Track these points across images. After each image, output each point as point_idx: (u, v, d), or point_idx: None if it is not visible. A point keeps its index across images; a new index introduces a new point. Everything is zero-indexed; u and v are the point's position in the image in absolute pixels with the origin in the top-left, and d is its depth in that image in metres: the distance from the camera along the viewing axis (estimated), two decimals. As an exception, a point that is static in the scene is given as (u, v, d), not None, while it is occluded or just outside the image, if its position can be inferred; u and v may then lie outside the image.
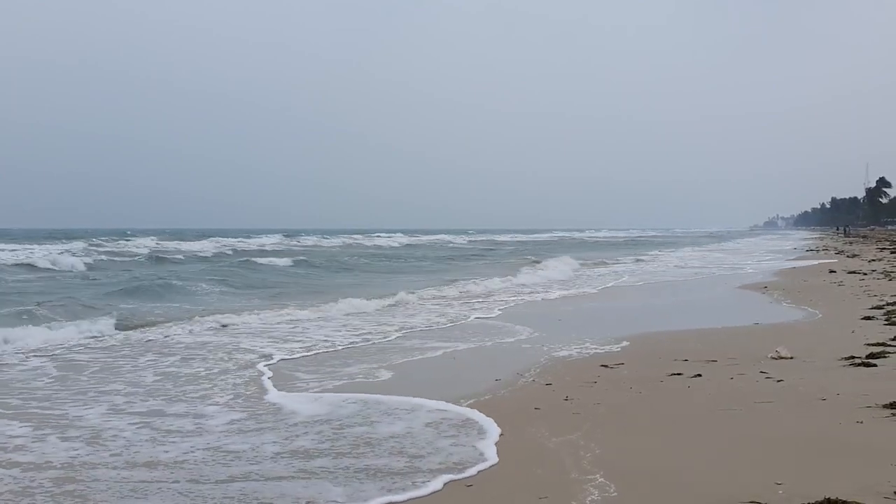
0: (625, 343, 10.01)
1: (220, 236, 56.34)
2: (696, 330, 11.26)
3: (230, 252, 37.85)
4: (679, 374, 7.79)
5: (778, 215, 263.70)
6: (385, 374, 8.35)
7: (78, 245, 37.44)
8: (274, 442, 5.79)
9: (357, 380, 8.06)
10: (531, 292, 18.56)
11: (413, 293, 17.33)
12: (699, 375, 7.66)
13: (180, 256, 34.24)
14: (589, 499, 4.37)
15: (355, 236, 65.05)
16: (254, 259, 31.42)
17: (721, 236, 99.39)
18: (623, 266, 30.88)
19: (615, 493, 4.43)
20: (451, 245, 58.95)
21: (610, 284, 21.37)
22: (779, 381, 7.25)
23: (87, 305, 14.74)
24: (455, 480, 4.82)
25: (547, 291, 18.82)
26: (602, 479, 4.66)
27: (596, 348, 9.71)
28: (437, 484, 4.76)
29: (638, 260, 35.64)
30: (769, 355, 8.48)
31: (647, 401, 6.74)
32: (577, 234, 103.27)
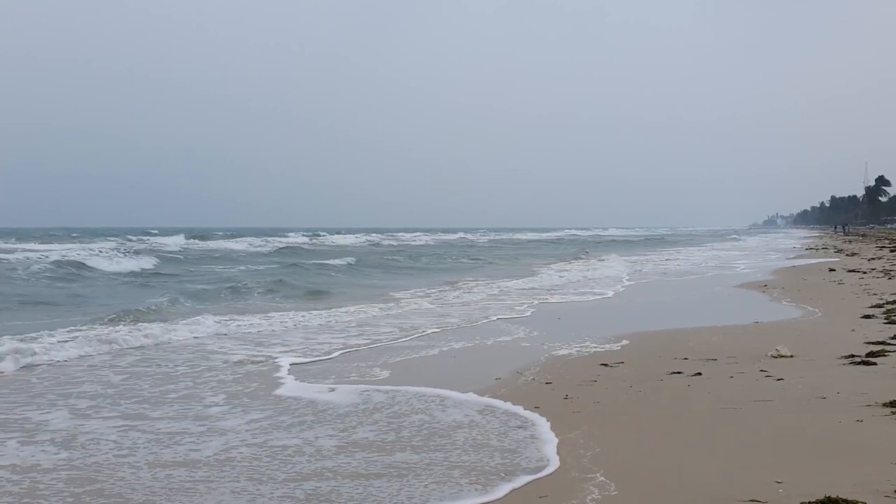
0: (625, 342, 10.00)
1: (236, 236, 56.08)
2: (696, 328, 11.24)
3: (271, 251, 37.52)
4: (679, 372, 7.78)
5: (777, 214, 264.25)
6: (383, 373, 8.31)
7: (109, 244, 37.17)
8: (330, 436, 5.60)
9: (352, 377, 8.04)
10: (554, 291, 18.39)
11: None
12: (699, 374, 7.66)
13: (217, 255, 34.60)
14: (589, 497, 4.37)
15: (373, 235, 64.97)
16: (315, 261, 30.39)
17: (728, 234, 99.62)
18: (662, 265, 30.83)
19: (615, 492, 4.43)
20: (478, 244, 58.80)
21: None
22: (779, 379, 7.24)
23: (184, 302, 15.02)
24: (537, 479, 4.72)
25: (584, 291, 18.69)
26: (602, 478, 4.66)
27: (596, 347, 9.70)
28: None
29: (666, 259, 35.35)
30: (769, 354, 8.48)
31: (647, 399, 6.74)
32: (586, 233, 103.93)
